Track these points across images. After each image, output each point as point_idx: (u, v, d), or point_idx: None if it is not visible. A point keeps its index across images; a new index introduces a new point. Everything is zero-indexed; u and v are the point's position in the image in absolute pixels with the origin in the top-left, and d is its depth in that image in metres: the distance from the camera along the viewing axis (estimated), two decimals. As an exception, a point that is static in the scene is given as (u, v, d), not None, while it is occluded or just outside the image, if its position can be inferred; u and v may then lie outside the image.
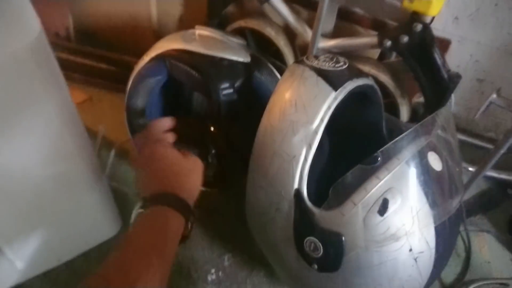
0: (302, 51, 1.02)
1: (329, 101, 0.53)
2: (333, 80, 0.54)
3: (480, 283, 0.83)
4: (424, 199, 0.51)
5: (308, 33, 0.92)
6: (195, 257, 0.83)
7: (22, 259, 0.72)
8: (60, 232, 0.76)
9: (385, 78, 0.87)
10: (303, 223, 0.54)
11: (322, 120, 0.53)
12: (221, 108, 0.70)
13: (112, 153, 1.01)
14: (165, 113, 0.85)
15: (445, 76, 0.77)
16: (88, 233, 0.82)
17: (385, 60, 0.96)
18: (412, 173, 0.51)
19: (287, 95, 0.56)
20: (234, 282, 0.80)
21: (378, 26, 0.94)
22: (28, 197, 0.65)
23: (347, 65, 0.58)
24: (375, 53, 0.99)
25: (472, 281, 0.83)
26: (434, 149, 0.56)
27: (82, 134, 0.70)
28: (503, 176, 1.01)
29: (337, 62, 0.58)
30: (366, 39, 0.85)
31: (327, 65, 0.57)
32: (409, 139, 0.52)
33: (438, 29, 0.95)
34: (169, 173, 0.52)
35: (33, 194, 0.65)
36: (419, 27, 0.75)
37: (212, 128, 0.76)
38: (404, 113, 0.90)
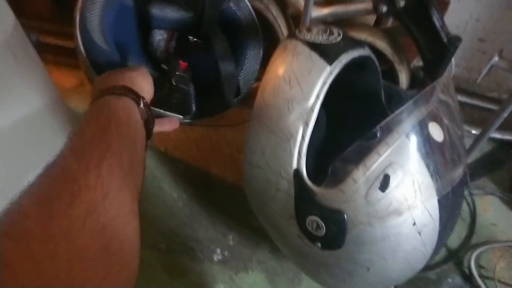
0: (295, 21, 0.98)
1: (324, 76, 0.52)
2: (327, 54, 0.52)
3: (487, 246, 0.83)
4: (426, 172, 0.50)
5: (300, 2, 0.88)
6: (199, 238, 0.84)
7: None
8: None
9: (382, 45, 0.84)
10: (304, 202, 0.54)
11: (318, 96, 0.51)
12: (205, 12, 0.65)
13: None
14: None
15: (445, 39, 0.74)
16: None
17: (381, 26, 0.92)
18: (413, 147, 0.50)
19: (281, 71, 0.54)
20: (240, 260, 0.80)
21: (373, -11, 0.91)
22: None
23: (341, 37, 0.56)
24: (371, 19, 0.95)
25: (478, 245, 0.84)
26: (435, 119, 0.54)
27: (70, 121, 0.69)
28: (508, 137, 1.00)
29: (331, 33, 0.56)
30: (361, 5, 0.82)
31: (321, 38, 0.55)
32: (409, 111, 0.51)
33: (436, -11, 0.90)
34: (118, 74, 0.50)
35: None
36: (416, -11, 0.72)
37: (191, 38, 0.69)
38: (404, 80, 0.88)
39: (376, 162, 0.48)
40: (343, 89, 0.59)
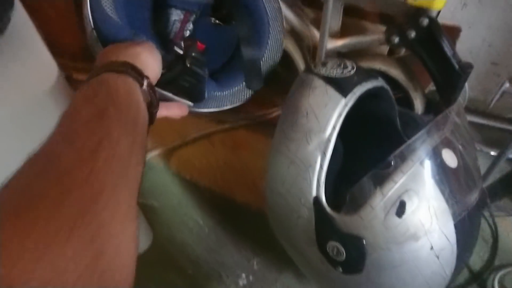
0: (311, 53, 1.03)
1: (339, 108, 0.55)
2: (342, 87, 0.56)
3: (510, 268, 0.83)
4: (441, 197, 0.52)
5: (315, 35, 0.93)
6: (225, 263, 0.87)
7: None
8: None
9: (396, 73, 0.87)
10: (324, 228, 0.56)
11: (334, 127, 0.55)
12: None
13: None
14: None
15: (457, 66, 0.77)
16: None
17: (395, 55, 0.96)
18: (427, 174, 0.52)
19: (299, 105, 0.58)
20: (265, 284, 0.83)
21: (385, 19, 0.95)
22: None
23: (355, 69, 0.59)
24: (385, 48, 0.99)
25: (501, 266, 0.83)
26: (449, 145, 0.57)
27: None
28: (527, 157, 1.00)
29: (345, 67, 0.60)
30: (374, 36, 0.86)
31: (335, 72, 0.59)
32: (422, 139, 0.53)
33: (447, 17, 0.94)
34: (121, 48, 0.46)
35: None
36: (425, 21, 0.75)
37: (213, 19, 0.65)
38: (419, 106, 0.90)
39: (392, 189, 0.51)
40: (359, 118, 0.62)
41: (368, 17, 0.98)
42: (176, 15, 0.67)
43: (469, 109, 1.06)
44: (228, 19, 0.63)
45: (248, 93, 0.68)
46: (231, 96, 0.66)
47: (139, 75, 0.41)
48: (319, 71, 0.59)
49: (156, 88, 0.47)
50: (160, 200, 0.99)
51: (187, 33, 0.67)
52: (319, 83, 0.57)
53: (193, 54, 0.55)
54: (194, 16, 0.67)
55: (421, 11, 0.76)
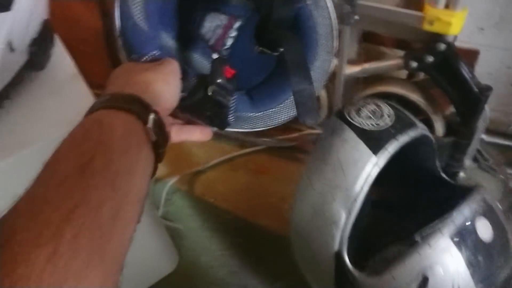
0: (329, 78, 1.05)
1: (369, 168, 0.52)
2: (374, 143, 0.52)
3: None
4: (468, 276, 0.49)
5: (333, 61, 0.96)
6: (248, 286, 0.88)
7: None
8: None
9: (415, 97, 0.89)
10: (344, 283, 0.55)
11: (362, 188, 0.52)
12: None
13: (164, 192, 1.08)
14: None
15: (475, 89, 0.78)
16: (145, 272, 0.88)
17: (414, 79, 0.97)
18: (457, 249, 0.48)
19: (327, 156, 0.55)
20: (288, 308, 0.83)
21: (403, 45, 0.97)
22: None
23: (393, 118, 0.55)
24: (404, 72, 1.01)
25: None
26: (486, 214, 0.52)
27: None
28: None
29: (381, 116, 0.56)
30: (392, 62, 0.88)
31: (369, 123, 0.54)
32: (457, 213, 0.50)
33: (465, 41, 0.95)
34: (132, 73, 0.40)
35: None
36: (442, 46, 0.77)
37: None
38: (439, 128, 0.91)
39: (416, 263, 0.48)
40: (392, 165, 0.55)
41: (386, 43, 1.01)
42: (218, 20, 0.60)
43: (490, 131, 1.05)
44: (273, 45, 0.56)
45: (284, 116, 0.59)
46: (265, 117, 0.58)
47: (145, 110, 0.35)
48: (352, 119, 0.55)
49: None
50: (184, 222, 1.02)
51: (229, 41, 0.61)
52: (350, 136, 0.54)
53: (218, 80, 0.49)
54: (239, 22, 0.60)
55: (438, 36, 0.78)
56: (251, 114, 0.57)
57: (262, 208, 1.04)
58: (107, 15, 1.16)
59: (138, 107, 0.35)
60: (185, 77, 0.47)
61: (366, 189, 0.51)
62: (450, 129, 0.93)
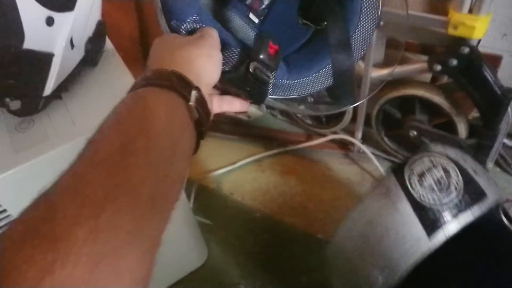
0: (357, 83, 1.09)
1: (420, 251, 0.45)
2: (431, 222, 0.45)
3: None
4: None
5: (359, 65, 1.00)
6: (274, 281, 0.91)
7: None
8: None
9: (439, 100, 0.92)
10: None
11: (406, 268, 0.45)
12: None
13: (194, 187, 1.12)
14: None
15: (498, 92, 0.81)
16: (177, 265, 0.92)
17: (438, 82, 1.01)
18: None
19: (374, 221, 0.48)
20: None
21: (427, 50, 1.00)
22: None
23: (460, 191, 0.46)
24: (428, 75, 1.04)
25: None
26: None
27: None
28: None
29: (447, 188, 0.47)
30: (417, 65, 0.91)
31: (431, 198, 0.46)
32: None
33: (488, 47, 0.98)
34: (174, 48, 0.39)
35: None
36: (466, 50, 0.80)
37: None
38: (462, 131, 0.94)
39: None
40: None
41: (410, 48, 1.04)
42: None
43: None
44: (317, 19, 0.53)
45: (318, 85, 0.57)
46: (300, 86, 0.57)
47: (188, 88, 0.35)
48: (413, 187, 0.47)
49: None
50: (213, 218, 1.06)
51: (267, 0, 0.58)
52: (404, 209, 0.46)
53: (260, 56, 0.47)
54: None
55: (462, 41, 0.81)
56: (287, 82, 0.56)
57: (288, 207, 1.07)
58: (142, 22, 1.23)
59: (181, 84, 0.34)
60: (225, 48, 0.45)
61: (410, 268, 0.45)
62: (473, 132, 0.96)
